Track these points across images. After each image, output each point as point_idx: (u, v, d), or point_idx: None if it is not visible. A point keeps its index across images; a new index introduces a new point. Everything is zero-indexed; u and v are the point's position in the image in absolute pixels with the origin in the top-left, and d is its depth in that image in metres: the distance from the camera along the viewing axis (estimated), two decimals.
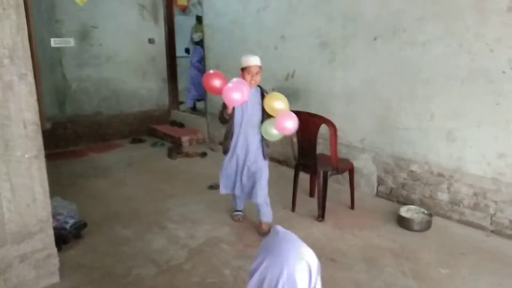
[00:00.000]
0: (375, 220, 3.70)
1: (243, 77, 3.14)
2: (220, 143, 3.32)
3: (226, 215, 3.80)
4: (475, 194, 3.49)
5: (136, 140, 6.65)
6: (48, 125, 5.79)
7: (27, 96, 2.44)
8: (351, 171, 3.88)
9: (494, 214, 3.40)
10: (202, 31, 6.62)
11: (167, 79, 7.29)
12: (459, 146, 3.54)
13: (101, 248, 3.22)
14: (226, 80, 3.00)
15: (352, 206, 3.93)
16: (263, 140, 3.33)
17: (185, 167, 5.30)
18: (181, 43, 7.67)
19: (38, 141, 2.53)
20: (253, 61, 3.17)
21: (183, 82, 7.86)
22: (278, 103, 3.06)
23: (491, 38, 3.21)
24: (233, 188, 3.50)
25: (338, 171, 3.73)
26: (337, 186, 4.45)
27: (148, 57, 6.99)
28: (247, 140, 3.33)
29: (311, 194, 4.18)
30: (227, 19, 5.77)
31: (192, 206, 4.01)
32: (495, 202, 3.38)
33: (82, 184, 4.65)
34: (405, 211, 3.65)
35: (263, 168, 3.37)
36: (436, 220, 3.61)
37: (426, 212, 3.65)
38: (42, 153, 2.56)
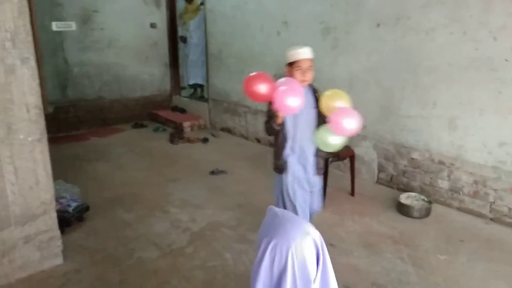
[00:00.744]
0: (375, 206, 3.73)
1: (291, 75, 2.52)
2: (275, 161, 2.71)
3: (227, 200, 3.82)
4: (475, 182, 3.51)
5: (138, 125, 6.67)
6: (50, 109, 5.78)
7: (30, 80, 2.44)
8: (352, 158, 3.89)
9: (494, 202, 3.42)
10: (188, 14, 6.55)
11: (169, 64, 7.27)
12: (461, 134, 3.54)
13: (104, 231, 3.26)
14: (274, 82, 2.33)
15: (352, 193, 3.95)
16: (318, 152, 2.64)
17: (186, 153, 5.32)
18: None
19: (41, 124, 2.54)
20: (304, 53, 2.52)
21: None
22: (340, 103, 2.40)
23: (494, 26, 3.19)
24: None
25: (339, 157, 3.74)
26: (338, 172, 4.47)
27: (150, 41, 6.96)
28: (304, 155, 2.62)
29: None
30: (230, 4, 5.73)
31: (193, 191, 4.04)
32: (495, 190, 3.40)
33: (84, 168, 4.68)
34: (405, 198, 3.67)
35: (318, 183, 2.76)
36: (435, 207, 3.64)
37: (426, 199, 3.68)
38: (45, 136, 2.58)
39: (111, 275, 2.69)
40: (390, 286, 2.59)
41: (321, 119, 2.52)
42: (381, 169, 4.21)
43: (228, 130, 6.25)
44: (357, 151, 4.23)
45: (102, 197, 3.85)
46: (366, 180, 4.31)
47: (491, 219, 3.44)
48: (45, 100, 4.15)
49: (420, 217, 3.49)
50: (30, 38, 2.43)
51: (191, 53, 7.02)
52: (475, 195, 3.52)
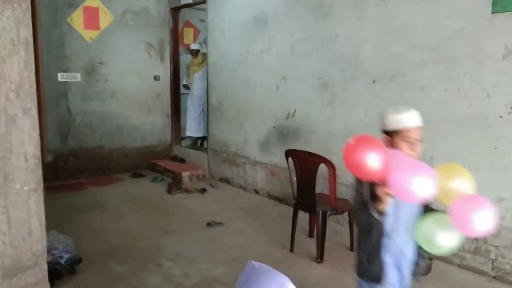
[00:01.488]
0: None
1: (393, 145, 1.87)
2: (368, 265, 1.90)
3: (223, 254, 3.74)
4: (476, 239, 3.44)
5: (137, 175, 6.66)
6: (49, 158, 5.83)
7: (30, 129, 2.48)
8: (351, 211, 3.85)
9: (496, 259, 3.34)
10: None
11: (171, 115, 7.40)
12: None
13: (95, 285, 3.16)
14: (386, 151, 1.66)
15: (351, 248, 3.87)
16: (419, 252, 1.94)
17: (183, 203, 5.27)
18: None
19: (37, 174, 2.55)
20: (415, 119, 1.87)
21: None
22: (459, 183, 1.74)
23: (487, 83, 3.28)
24: None
25: (337, 211, 3.70)
26: (337, 226, 4.40)
27: (153, 93, 7.13)
28: (402, 256, 1.91)
29: (310, 234, 4.13)
30: (231, 59, 5.92)
31: (189, 243, 3.96)
32: (496, 247, 3.33)
33: (79, 218, 4.62)
34: None
35: None
36: (436, 264, 3.55)
37: (426, 255, 3.59)
38: (41, 186, 2.58)
39: None
40: None
41: (427, 207, 1.90)
42: None
43: (226, 181, 6.24)
44: None
45: (96, 249, 3.77)
46: None
47: (494, 277, 3.34)
48: (45, 149, 4.19)
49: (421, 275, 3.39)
50: (33, 89, 2.50)
51: (193, 105, 7.19)
52: (476, 252, 3.45)
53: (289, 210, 4.07)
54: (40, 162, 2.55)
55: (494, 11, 3.19)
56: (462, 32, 3.40)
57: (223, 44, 6.05)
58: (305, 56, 4.78)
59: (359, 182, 1.81)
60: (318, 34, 4.59)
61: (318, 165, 3.56)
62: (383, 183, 1.63)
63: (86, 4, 5.75)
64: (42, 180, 2.57)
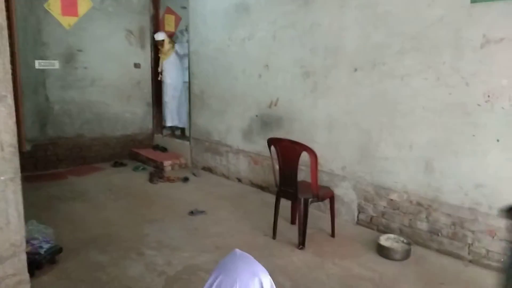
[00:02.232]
0: (356, 248, 3.70)
1: None
2: None
3: (205, 242, 3.75)
4: (453, 224, 3.53)
5: (118, 164, 6.58)
6: (28, 147, 5.70)
7: (6, 118, 2.41)
8: (332, 198, 3.90)
9: (472, 244, 3.44)
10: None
11: (152, 103, 7.30)
12: (437, 176, 3.60)
13: (76, 274, 3.13)
14: None
15: (332, 234, 3.93)
16: None
17: (166, 192, 5.24)
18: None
19: (15, 163, 2.48)
20: None
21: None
22: None
23: (466, 72, 3.33)
24: None
25: (318, 198, 3.74)
26: (318, 213, 4.45)
27: (133, 81, 7.02)
28: None
29: (293, 221, 4.17)
30: (213, 47, 5.87)
31: (171, 232, 3.96)
32: (473, 232, 3.42)
33: (59, 207, 4.56)
34: (384, 240, 3.66)
35: None
36: (415, 249, 3.63)
37: (405, 241, 3.67)
38: (18, 175, 2.52)
39: None
40: None
41: None
42: (361, 210, 4.22)
43: (209, 170, 6.22)
44: (337, 191, 4.25)
45: (76, 238, 3.73)
46: (346, 221, 4.30)
47: (470, 261, 3.44)
48: (23, 138, 4.09)
49: (400, 259, 3.47)
50: (8, 76, 2.42)
51: (166, 94, 7.07)
52: (453, 236, 3.54)
53: (272, 198, 4.10)
54: (17, 151, 2.49)
55: (473, 1, 3.23)
56: (442, 21, 3.44)
57: (205, 32, 5.98)
58: (288, 44, 4.77)
59: None
60: (300, 22, 4.58)
61: (300, 153, 3.58)
62: None
63: None
64: (19, 170, 2.51)
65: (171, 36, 7.32)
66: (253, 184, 5.49)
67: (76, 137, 6.47)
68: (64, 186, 5.42)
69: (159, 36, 6.81)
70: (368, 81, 4.01)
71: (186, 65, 6.76)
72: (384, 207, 4.01)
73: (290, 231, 3.97)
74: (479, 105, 3.29)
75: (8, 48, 2.42)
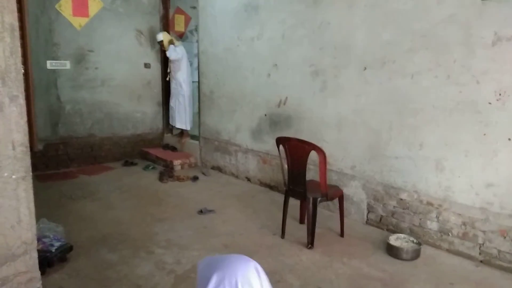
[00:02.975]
0: (365, 248, 3.68)
1: None
2: None
3: (214, 241, 3.76)
4: (464, 224, 3.49)
5: (128, 163, 6.64)
6: (40, 146, 5.78)
7: (17, 117, 2.45)
8: (341, 198, 3.88)
9: (483, 244, 3.40)
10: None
11: (162, 103, 7.35)
12: (448, 176, 3.56)
13: (86, 272, 3.16)
14: None
15: (342, 234, 3.91)
16: None
17: (175, 191, 5.27)
18: None
19: (26, 162, 2.52)
20: None
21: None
22: None
23: (477, 70, 3.29)
24: None
25: (327, 197, 3.73)
26: (327, 212, 4.44)
27: (143, 81, 7.07)
28: None
29: (301, 221, 4.16)
30: (222, 47, 5.88)
31: (180, 231, 3.98)
32: (484, 232, 3.38)
33: (70, 206, 4.61)
34: (394, 240, 3.64)
35: None
36: (425, 249, 3.60)
37: (415, 241, 3.64)
38: (29, 174, 2.55)
39: None
40: None
41: None
42: (370, 209, 4.20)
43: (218, 169, 6.24)
44: (346, 191, 4.23)
45: (87, 237, 3.77)
46: (356, 221, 4.28)
47: (481, 262, 3.40)
48: (35, 138, 4.15)
49: (409, 259, 3.44)
50: (20, 76, 2.46)
51: (172, 94, 7.00)
52: (464, 236, 3.50)
53: (281, 197, 4.09)
54: (28, 150, 2.53)
55: None
56: (452, 18, 3.40)
57: (214, 31, 6.00)
58: (297, 43, 4.76)
59: None
60: (310, 21, 4.57)
61: (309, 152, 3.57)
62: None
63: None
64: (30, 168, 2.55)
65: (181, 36, 7.35)
66: (262, 183, 5.49)
67: (87, 137, 6.54)
68: (75, 185, 5.48)
69: (158, 37, 6.80)
70: (378, 79, 3.98)
71: (195, 65, 6.75)
72: (394, 206, 3.98)
73: (298, 231, 3.96)
74: (490, 103, 3.25)
75: (20, 49, 2.46)
